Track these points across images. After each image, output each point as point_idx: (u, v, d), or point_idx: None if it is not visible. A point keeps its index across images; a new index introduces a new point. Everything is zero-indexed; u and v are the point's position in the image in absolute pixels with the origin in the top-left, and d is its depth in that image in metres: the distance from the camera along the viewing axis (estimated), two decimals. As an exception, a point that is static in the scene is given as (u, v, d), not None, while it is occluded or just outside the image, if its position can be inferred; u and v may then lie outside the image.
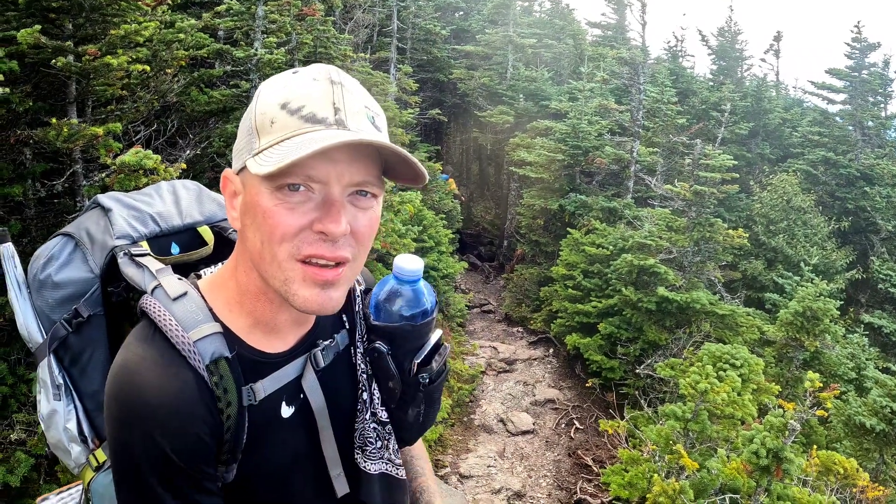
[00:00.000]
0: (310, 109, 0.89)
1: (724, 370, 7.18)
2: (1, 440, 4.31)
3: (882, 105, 19.19)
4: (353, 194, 0.92)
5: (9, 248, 1.22)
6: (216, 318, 0.98)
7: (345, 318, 1.15)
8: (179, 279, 1.03)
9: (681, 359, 9.10)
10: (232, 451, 0.96)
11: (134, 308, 1.04)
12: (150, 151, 4.15)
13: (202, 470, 0.91)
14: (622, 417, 9.28)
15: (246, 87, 7.20)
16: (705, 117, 18.19)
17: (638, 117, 14.40)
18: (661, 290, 10.10)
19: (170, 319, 0.94)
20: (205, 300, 0.99)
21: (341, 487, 1.12)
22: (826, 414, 7.14)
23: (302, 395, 1.06)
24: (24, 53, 4.21)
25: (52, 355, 1.17)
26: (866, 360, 10.85)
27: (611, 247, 11.51)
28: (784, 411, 5.77)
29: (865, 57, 18.65)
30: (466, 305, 13.78)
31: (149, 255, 1.13)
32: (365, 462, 1.14)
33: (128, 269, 1.09)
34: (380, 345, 1.11)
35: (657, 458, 7.05)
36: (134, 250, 1.13)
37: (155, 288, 1.00)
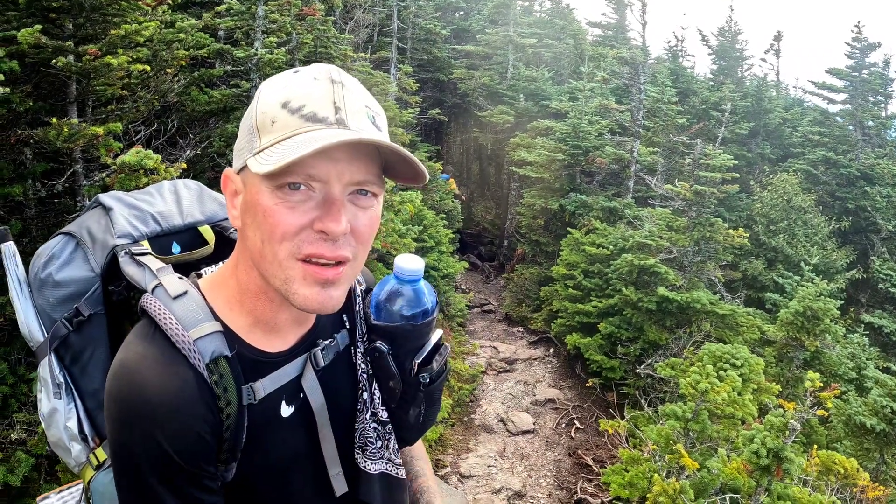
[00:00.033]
0: (310, 109, 0.89)
1: (725, 370, 7.17)
2: (1, 440, 4.31)
3: (882, 105, 19.19)
4: (353, 193, 0.92)
5: (10, 246, 1.22)
6: (216, 317, 0.98)
7: (345, 318, 1.16)
8: (180, 278, 1.03)
9: (681, 358, 9.10)
10: (231, 450, 0.96)
11: (135, 307, 1.04)
12: (150, 151, 4.15)
13: (202, 468, 0.91)
14: (622, 417, 9.28)
15: (246, 87, 7.20)
16: (706, 117, 18.19)
17: (638, 117, 14.40)
18: (662, 290, 10.10)
19: (170, 318, 0.94)
20: (205, 299, 1.00)
21: (340, 486, 1.12)
22: (826, 414, 7.14)
23: (302, 395, 1.06)
24: (24, 53, 4.21)
25: (52, 354, 1.17)
26: (867, 359, 10.85)
27: (611, 246, 11.51)
28: (784, 411, 5.77)
29: (866, 57, 18.65)
30: (467, 305, 13.78)
31: (149, 254, 1.14)
32: (365, 462, 1.14)
33: (128, 268, 1.10)
34: (381, 344, 1.12)
35: (657, 457, 7.05)
36: (135, 249, 1.14)
37: (155, 287, 1.01)
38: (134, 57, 4.81)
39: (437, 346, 1.16)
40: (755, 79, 23.75)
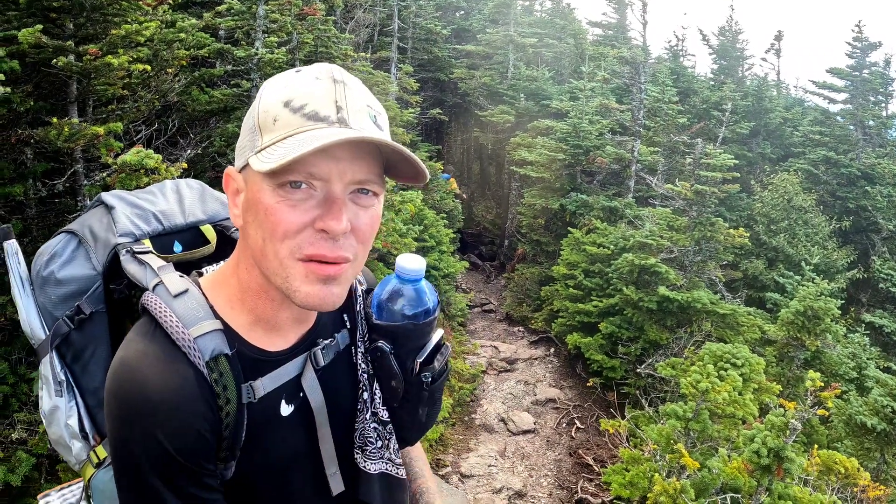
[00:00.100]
0: (312, 107, 0.89)
1: (725, 369, 7.18)
2: (2, 439, 4.31)
3: (883, 104, 19.19)
4: (354, 192, 0.92)
5: (13, 244, 1.22)
6: (217, 316, 0.98)
7: (345, 318, 1.16)
8: (181, 276, 1.03)
9: (682, 358, 9.10)
10: (231, 449, 0.96)
11: (136, 305, 1.04)
12: (151, 151, 4.16)
13: (202, 466, 0.91)
14: (623, 417, 9.29)
15: (247, 87, 7.20)
16: (706, 117, 18.19)
17: (639, 116, 14.40)
18: (662, 290, 10.10)
19: (170, 316, 0.94)
20: (205, 297, 1.00)
21: (336, 486, 1.12)
22: (827, 413, 7.14)
23: (301, 394, 1.06)
24: (25, 53, 4.22)
25: (54, 352, 1.17)
26: (867, 359, 10.86)
27: (612, 246, 11.51)
28: (785, 411, 5.77)
29: (866, 56, 18.65)
30: (467, 305, 13.79)
31: (151, 252, 1.14)
32: (365, 462, 1.14)
33: (130, 267, 1.10)
34: (382, 344, 1.12)
35: (658, 457, 7.05)
36: (136, 248, 1.14)
37: (156, 285, 1.01)
38: (134, 56, 4.81)
39: (439, 346, 1.16)
40: (756, 78, 23.75)
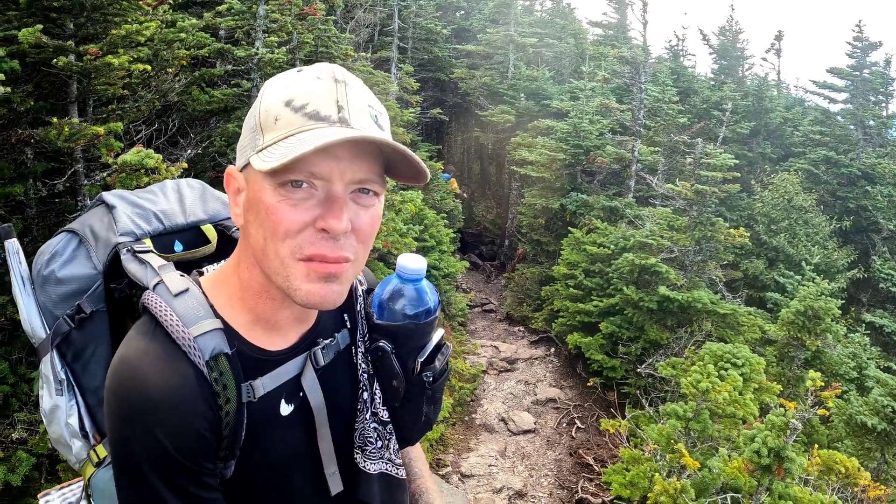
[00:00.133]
0: (313, 107, 0.89)
1: (726, 369, 7.18)
2: (2, 439, 4.31)
3: (883, 104, 19.20)
4: (355, 192, 0.92)
5: (14, 243, 1.23)
6: (217, 315, 0.98)
7: (346, 318, 1.16)
8: (181, 275, 1.03)
9: (682, 358, 9.10)
10: (230, 448, 0.96)
11: (136, 304, 1.04)
12: (151, 151, 4.16)
13: (202, 465, 0.91)
14: (623, 417, 9.29)
15: (247, 87, 7.20)
16: (706, 116, 18.19)
17: (639, 116, 14.40)
18: (663, 290, 10.10)
19: (171, 315, 0.94)
20: (206, 296, 1.00)
21: (335, 486, 1.12)
22: (827, 413, 7.14)
23: (301, 394, 1.06)
24: (25, 53, 4.22)
25: (54, 351, 1.17)
26: (867, 359, 10.87)
27: (612, 246, 11.51)
28: (785, 410, 5.77)
29: (867, 56, 18.65)
30: (468, 305, 13.79)
31: (151, 251, 1.14)
32: (364, 462, 1.14)
33: (130, 266, 1.10)
34: (384, 343, 1.12)
35: (658, 457, 7.05)
36: (137, 247, 1.14)
37: (157, 284, 1.01)
38: (135, 56, 4.81)
39: (439, 346, 1.16)
40: (756, 78, 23.77)
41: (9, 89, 3.98)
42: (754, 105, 20.27)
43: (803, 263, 12.21)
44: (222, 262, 1.10)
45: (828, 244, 15.35)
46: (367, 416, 1.13)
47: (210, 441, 0.92)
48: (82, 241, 1.21)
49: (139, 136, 5.87)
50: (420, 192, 11.72)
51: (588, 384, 10.78)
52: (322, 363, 1.08)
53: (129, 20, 4.86)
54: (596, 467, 8.81)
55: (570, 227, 13.24)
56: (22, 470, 4.16)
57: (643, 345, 10.31)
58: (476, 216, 20.30)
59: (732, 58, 24.56)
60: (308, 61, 8.00)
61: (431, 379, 1.14)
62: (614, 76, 16.93)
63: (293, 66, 7.53)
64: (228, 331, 0.97)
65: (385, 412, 1.15)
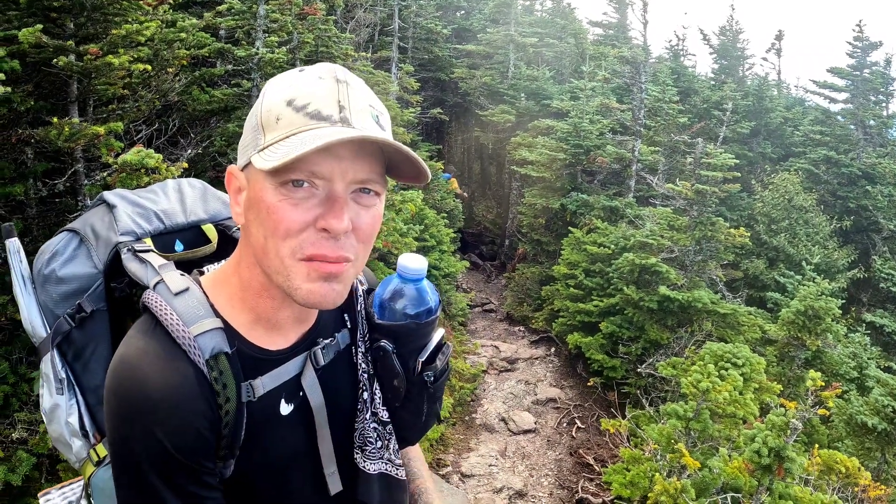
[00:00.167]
0: (315, 107, 0.89)
1: (726, 369, 7.18)
2: (3, 439, 4.31)
3: (884, 104, 19.20)
4: (356, 192, 0.92)
5: (14, 242, 1.23)
6: (217, 314, 0.98)
7: (346, 317, 1.16)
8: (182, 275, 1.03)
9: (682, 358, 9.10)
10: (230, 447, 0.96)
11: (137, 304, 1.05)
12: (151, 150, 4.16)
13: (202, 464, 0.91)
14: (624, 416, 9.29)
15: (247, 87, 7.20)
16: (707, 116, 18.19)
17: (639, 116, 14.40)
18: (663, 289, 10.10)
19: (171, 314, 0.94)
20: (206, 296, 1.00)
21: (335, 486, 1.12)
22: (828, 413, 7.15)
23: (301, 393, 1.06)
24: (25, 53, 4.22)
25: (55, 350, 1.18)
26: (868, 359, 10.87)
27: (612, 246, 11.52)
28: (786, 410, 5.77)
29: (867, 56, 18.65)
30: (468, 304, 13.80)
31: (152, 251, 1.14)
32: (364, 462, 1.14)
33: (131, 265, 1.10)
34: (385, 343, 1.12)
35: (659, 457, 7.05)
36: (137, 246, 1.14)
37: (157, 283, 1.01)
38: (135, 56, 4.81)
39: (440, 345, 1.16)
40: (756, 78, 23.77)
41: (9, 89, 3.97)
42: (755, 105, 20.26)
43: (804, 263, 12.21)
44: (223, 261, 1.10)
45: (828, 244, 15.35)
46: (367, 416, 1.13)
47: (210, 440, 0.92)
48: (83, 241, 1.21)
49: (139, 136, 5.87)
50: (420, 191, 11.72)
51: (588, 384, 10.79)
52: (322, 363, 1.08)
53: (130, 20, 4.86)
54: (596, 467, 8.81)
55: (570, 227, 13.24)
56: (22, 470, 4.17)
57: (643, 344, 10.31)
58: (476, 216, 20.30)
59: (733, 57, 24.55)
60: (308, 61, 8.00)
61: (433, 378, 1.14)
62: (615, 76, 16.92)
63: (293, 65, 7.53)
64: (228, 330, 0.97)
65: (385, 412, 1.15)
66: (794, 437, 5.66)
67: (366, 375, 1.14)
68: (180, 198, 1.34)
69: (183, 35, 5.70)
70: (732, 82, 21.29)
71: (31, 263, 1.23)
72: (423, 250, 11.07)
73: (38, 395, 1.25)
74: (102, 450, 1.16)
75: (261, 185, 0.90)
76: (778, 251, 14.85)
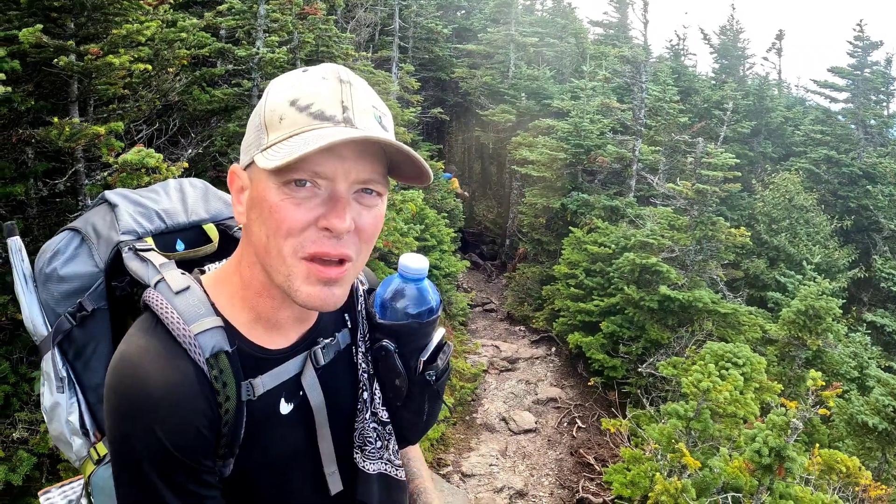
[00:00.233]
0: (318, 107, 0.89)
1: (727, 369, 7.18)
2: (3, 439, 4.32)
3: (884, 103, 19.21)
4: (358, 192, 0.92)
5: (16, 241, 1.23)
6: (218, 313, 0.98)
7: (346, 317, 1.16)
8: (182, 274, 1.03)
9: (683, 357, 9.11)
10: (229, 446, 0.96)
11: (138, 303, 1.04)
12: (152, 150, 4.16)
13: (201, 463, 0.92)
14: (624, 416, 9.29)
15: (248, 86, 7.20)
16: (707, 116, 18.19)
17: (640, 116, 14.40)
18: (664, 289, 10.09)
19: (172, 312, 0.94)
20: (207, 294, 1.00)
21: (335, 485, 1.12)
22: (828, 413, 7.15)
23: (301, 393, 1.06)
24: (25, 53, 4.22)
25: (56, 348, 1.18)
26: (869, 358, 10.86)
27: (613, 245, 11.52)
28: (786, 410, 5.77)
29: (868, 55, 18.65)
30: (468, 304, 13.79)
31: (153, 250, 1.14)
32: (364, 462, 1.14)
33: (132, 264, 1.10)
34: (387, 343, 1.12)
35: (659, 456, 7.05)
36: (138, 245, 1.14)
37: (158, 282, 1.01)
38: (135, 56, 4.81)
39: (441, 345, 1.16)
40: (757, 77, 23.76)
41: (9, 89, 3.98)
42: (755, 104, 20.26)
43: (804, 263, 12.21)
44: (224, 260, 1.10)
45: (829, 243, 15.35)
46: (367, 416, 1.13)
47: (209, 439, 0.92)
48: (84, 240, 1.21)
49: (140, 136, 5.87)
50: (421, 191, 11.72)
51: (589, 384, 10.78)
52: (322, 362, 1.08)
53: (130, 20, 4.86)
54: (597, 467, 8.81)
55: (570, 227, 13.24)
56: (23, 469, 4.17)
57: (644, 344, 10.31)
58: (477, 216, 20.30)
59: (733, 57, 24.55)
60: (309, 61, 8.00)
61: (434, 377, 1.14)
62: (615, 75, 16.93)
63: (294, 65, 7.53)
64: (229, 329, 0.97)
65: (385, 412, 1.15)
66: (794, 437, 5.66)
67: (366, 375, 1.14)
68: (182, 197, 1.34)
69: (183, 35, 5.70)
70: (733, 82, 21.29)
71: (32, 263, 1.23)
72: (423, 250, 11.07)
73: (38, 395, 1.25)
74: (103, 448, 1.16)
75: (263, 185, 0.90)
76: (778, 251, 14.85)
